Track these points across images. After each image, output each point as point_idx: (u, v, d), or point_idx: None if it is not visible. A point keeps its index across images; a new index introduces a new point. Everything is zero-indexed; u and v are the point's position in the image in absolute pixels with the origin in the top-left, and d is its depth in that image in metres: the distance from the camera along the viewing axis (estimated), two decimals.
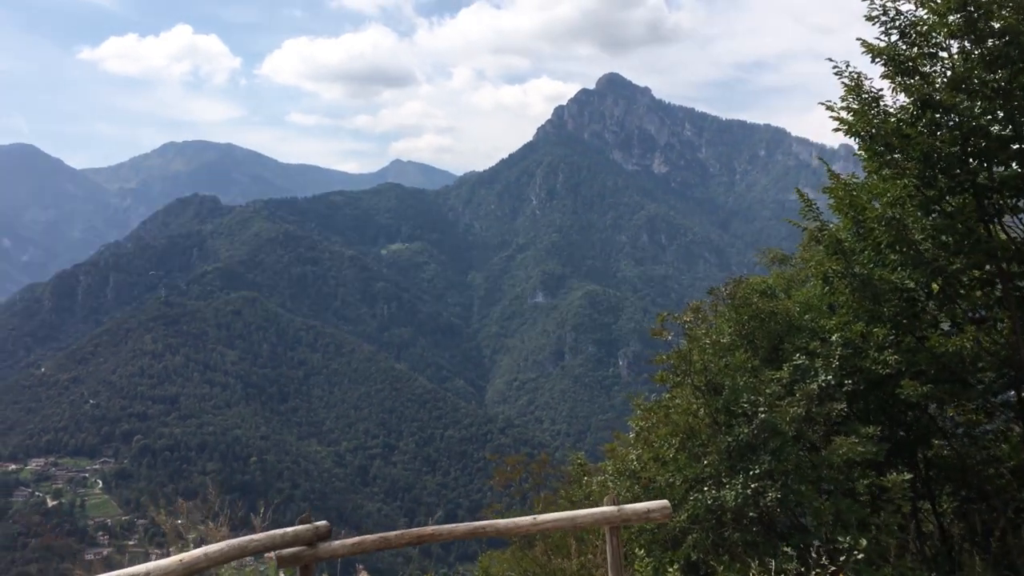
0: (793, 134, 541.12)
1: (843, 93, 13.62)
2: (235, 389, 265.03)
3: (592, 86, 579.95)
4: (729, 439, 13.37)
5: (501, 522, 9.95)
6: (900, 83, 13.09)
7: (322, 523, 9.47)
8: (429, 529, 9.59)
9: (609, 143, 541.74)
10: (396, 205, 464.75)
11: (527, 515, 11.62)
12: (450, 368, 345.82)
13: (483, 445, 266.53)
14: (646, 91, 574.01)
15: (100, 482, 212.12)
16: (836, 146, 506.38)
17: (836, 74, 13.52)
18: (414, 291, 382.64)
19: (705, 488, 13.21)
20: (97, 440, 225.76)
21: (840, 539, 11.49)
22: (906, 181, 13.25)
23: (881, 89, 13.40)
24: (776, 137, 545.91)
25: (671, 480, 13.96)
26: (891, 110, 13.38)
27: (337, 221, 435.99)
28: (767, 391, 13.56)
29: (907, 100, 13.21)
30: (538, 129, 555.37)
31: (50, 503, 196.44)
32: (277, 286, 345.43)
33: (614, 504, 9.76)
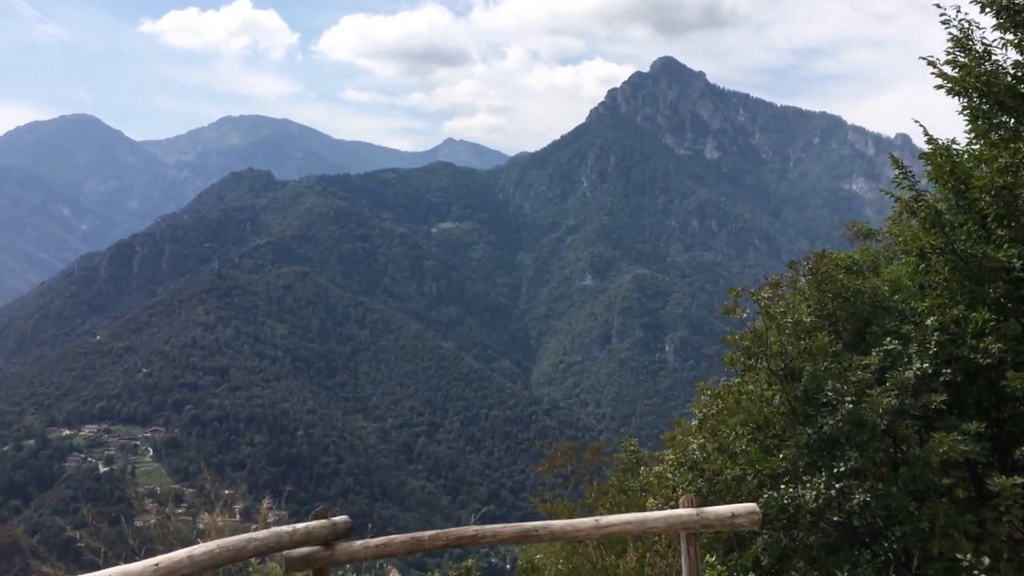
0: (849, 122, 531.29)
1: (948, 46, 12.39)
2: (284, 363, 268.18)
3: (646, 69, 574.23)
4: (809, 431, 12.23)
5: (556, 524, 8.58)
6: (1017, 39, 11.85)
7: (341, 518, 8.22)
8: (471, 530, 8.38)
9: (662, 127, 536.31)
10: (447, 184, 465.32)
11: (589, 515, 10.88)
12: (497, 348, 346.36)
13: (528, 426, 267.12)
14: (700, 75, 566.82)
15: (151, 450, 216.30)
16: (893, 135, 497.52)
17: (943, 23, 12.29)
18: (463, 270, 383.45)
19: (782, 485, 12.09)
20: (149, 409, 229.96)
21: (950, 552, 10.36)
22: (1020, 145, 11.91)
23: (993, 42, 12.22)
24: (831, 125, 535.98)
25: (741, 474, 12.86)
26: (1005, 66, 12.14)
27: (388, 198, 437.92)
28: (853, 379, 12.33)
29: (1022, 57, 11.99)
30: (591, 111, 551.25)
31: (102, 469, 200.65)
32: (327, 261, 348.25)
33: (692, 506, 8.53)
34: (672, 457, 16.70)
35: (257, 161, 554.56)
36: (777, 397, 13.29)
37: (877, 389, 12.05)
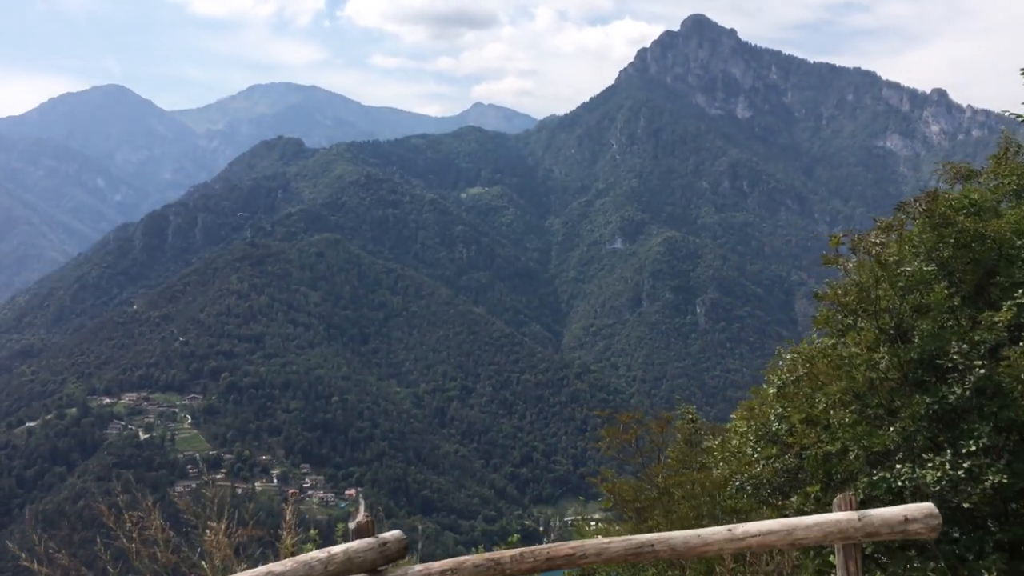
0: (884, 78, 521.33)
1: None
2: (318, 330, 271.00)
3: (676, 28, 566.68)
4: (928, 401, 10.67)
5: (677, 536, 6.58)
6: None
7: (392, 535, 6.63)
8: (566, 547, 6.64)
9: (692, 87, 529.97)
10: (476, 149, 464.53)
11: (657, 496, 10.39)
12: (527, 313, 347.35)
13: (559, 390, 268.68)
14: (732, 33, 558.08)
15: (189, 417, 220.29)
16: (928, 91, 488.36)
17: None
18: (493, 235, 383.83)
19: (897, 466, 10.61)
20: (186, 376, 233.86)
21: None
22: None
23: None
24: (866, 81, 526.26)
25: (841, 450, 11.47)
26: None
27: (418, 164, 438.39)
28: (978, 338, 10.66)
29: None
30: (620, 72, 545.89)
31: (142, 436, 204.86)
32: (359, 228, 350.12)
33: (851, 508, 6.61)
34: (746, 427, 15.56)
35: (287, 129, 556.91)
36: (885, 361, 11.70)
37: (1013, 350, 10.48)
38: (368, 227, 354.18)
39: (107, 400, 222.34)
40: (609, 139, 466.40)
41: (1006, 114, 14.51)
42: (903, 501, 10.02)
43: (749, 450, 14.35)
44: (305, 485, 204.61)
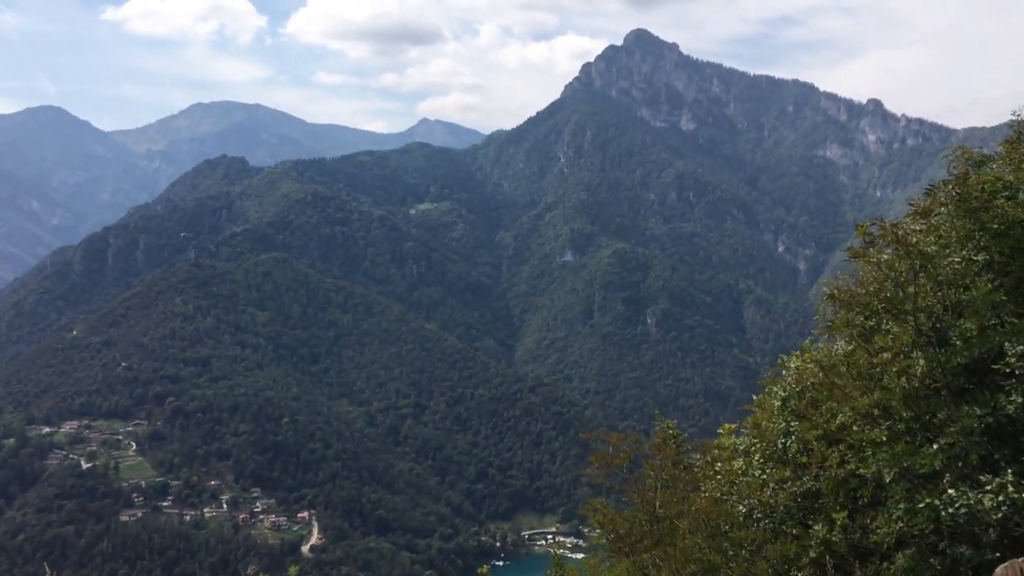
0: (821, 89, 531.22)
1: None
2: (266, 350, 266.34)
3: (620, 42, 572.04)
4: (979, 412, 9.29)
5: None
6: None
7: None
8: None
9: (637, 100, 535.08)
10: (424, 165, 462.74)
11: (657, 526, 9.13)
12: (480, 328, 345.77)
13: (513, 404, 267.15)
14: (674, 47, 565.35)
15: (134, 444, 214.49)
16: (864, 101, 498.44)
17: None
18: (443, 251, 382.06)
19: (950, 491, 9.08)
20: (130, 402, 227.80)
21: None
22: None
23: None
24: (804, 93, 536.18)
25: (876, 473, 9.86)
26: None
27: (365, 181, 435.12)
28: None
29: None
30: (565, 87, 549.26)
31: (84, 465, 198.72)
32: (306, 247, 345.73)
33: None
34: (757, 448, 13.88)
35: (230, 148, 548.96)
36: (921, 367, 10.14)
37: None
38: (316, 245, 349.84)
39: (47, 429, 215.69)
40: (557, 153, 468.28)
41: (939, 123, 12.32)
42: (950, 531, 9.05)
43: (758, 472, 12.90)
44: (256, 509, 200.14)
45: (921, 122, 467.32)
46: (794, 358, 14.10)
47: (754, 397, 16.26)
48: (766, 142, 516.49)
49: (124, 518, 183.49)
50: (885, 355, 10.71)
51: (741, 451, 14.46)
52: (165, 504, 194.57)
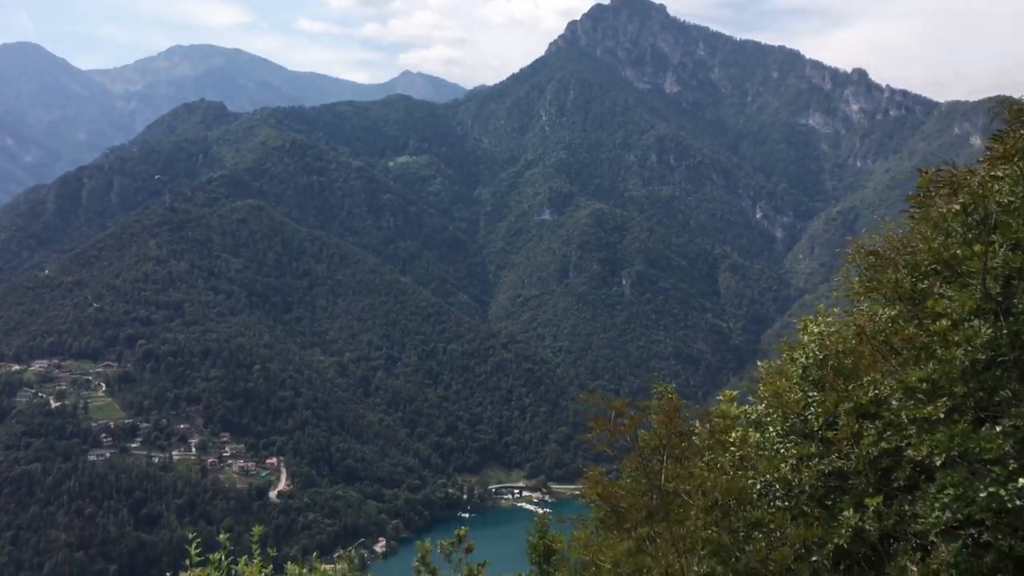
0: (807, 57, 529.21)
1: None
2: (239, 297, 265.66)
3: (607, 1, 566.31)
4: None
5: None
6: None
7: None
8: None
9: (621, 60, 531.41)
10: (404, 117, 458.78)
11: (664, 504, 8.16)
12: (454, 283, 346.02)
13: (485, 360, 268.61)
14: (661, 8, 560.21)
15: (103, 385, 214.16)
16: (850, 70, 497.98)
17: None
18: (420, 204, 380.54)
19: (1021, 478, 8.24)
20: (100, 343, 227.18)
21: None
22: None
23: None
24: (790, 59, 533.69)
25: (928, 454, 8.90)
26: None
27: (345, 131, 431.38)
28: None
29: None
30: (550, 44, 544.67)
31: (53, 404, 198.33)
32: (283, 195, 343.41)
33: None
34: (761, 411, 12.95)
35: (208, 92, 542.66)
36: (984, 336, 9.06)
37: None
38: (292, 194, 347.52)
39: (16, 367, 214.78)
40: (538, 110, 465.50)
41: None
42: (1003, 523, 8.36)
43: (778, 446, 11.80)
44: (225, 454, 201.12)
45: (905, 94, 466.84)
46: (809, 324, 12.84)
47: (759, 363, 15.13)
48: (749, 108, 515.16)
49: (92, 458, 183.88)
50: (942, 322, 9.43)
51: (753, 421, 13.38)
52: (133, 446, 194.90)
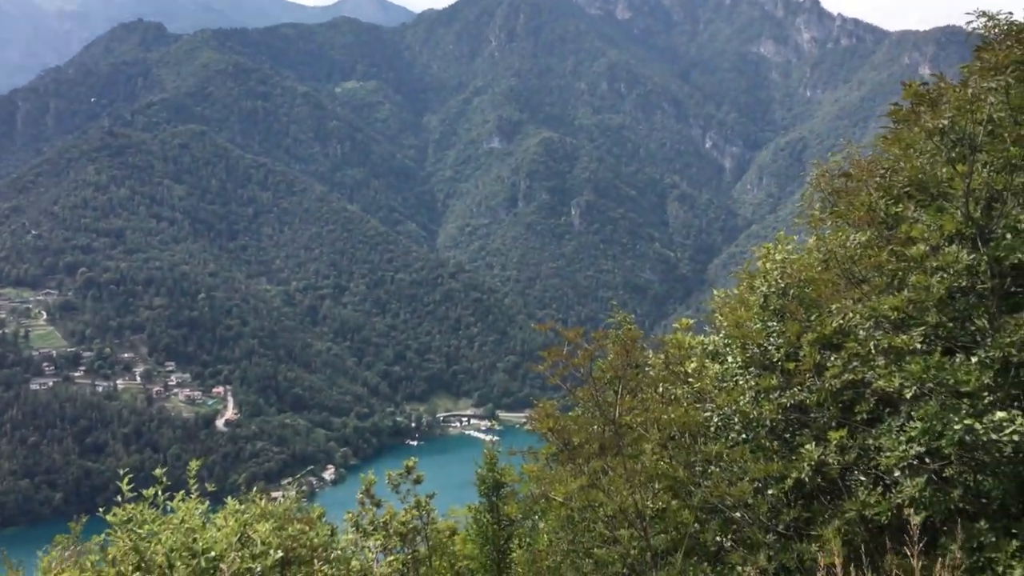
0: None
1: None
2: (182, 225, 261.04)
3: None
4: None
5: None
6: None
7: None
8: None
9: None
10: (351, 41, 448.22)
11: (617, 442, 7.81)
12: (402, 211, 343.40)
13: (434, 289, 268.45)
14: None
15: (44, 313, 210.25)
16: None
17: None
18: (368, 131, 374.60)
19: (999, 413, 7.82)
20: (40, 271, 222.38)
21: None
22: None
23: None
24: None
25: (899, 386, 8.48)
26: None
27: (289, 56, 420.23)
28: None
29: None
30: None
31: None
32: (226, 121, 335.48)
33: None
34: (719, 342, 12.45)
35: (147, 12, 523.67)
36: (963, 263, 8.51)
37: None
38: (236, 119, 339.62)
39: None
40: (488, 35, 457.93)
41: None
42: (972, 460, 7.96)
43: (738, 379, 11.29)
44: (170, 383, 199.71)
45: (856, 22, 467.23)
46: (770, 251, 12.26)
47: (716, 292, 14.55)
48: (701, 35, 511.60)
49: (34, 386, 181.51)
50: (919, 247, 8.85)
51: (710, 352, 12.85)
52: (77, 375, 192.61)
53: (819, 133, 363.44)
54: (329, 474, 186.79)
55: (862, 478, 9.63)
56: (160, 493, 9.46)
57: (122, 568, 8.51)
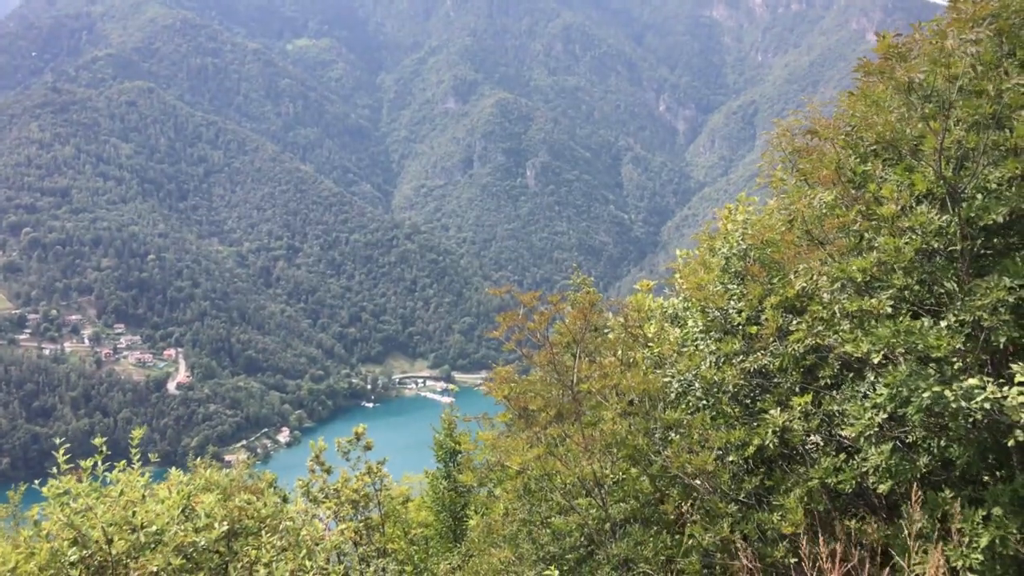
0: None
1: None
2: (130, 184, 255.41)
3: None
4: (1011, 284, 7.61)
5: None
6: None
7: None
8: None
9: None
10: None
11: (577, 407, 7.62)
12: (357, 172, 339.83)
13: (389, 250, 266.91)
14: None
15: None
16: None
17: None
18: (321, 90, 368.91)
19: (971, 380, 7.46)
20: None
21: None
22: None
23: None
24: None
25: (866, 351, 8.09)
26: None
27: (239, 11, 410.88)
28: None
29: None
30: None
31: None
32: (175, 78, 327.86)
33: None
34: (679, 305, 12.09)
35: None
36: (935, 224, 8.22)
37: None
38: (185, 76, 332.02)
39: None
40: None
41: None
42: (940, 426, 7.68)
43: (700, 344, 11.00)
44: (120, 346, 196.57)
45: None
46: (729, 211, 11.94)
47: (678, 252, 14.17)
48: None
49: None
50: (889, 207, 8.40)
51: (670, 316, 12.62)
52: (22, 337, 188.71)
53: (770, 97, 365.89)
54: (284, 437, 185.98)
55: (824, 445, 9.47)
56: (100, 463, 9.04)
57: (56, 543, 8.16)
